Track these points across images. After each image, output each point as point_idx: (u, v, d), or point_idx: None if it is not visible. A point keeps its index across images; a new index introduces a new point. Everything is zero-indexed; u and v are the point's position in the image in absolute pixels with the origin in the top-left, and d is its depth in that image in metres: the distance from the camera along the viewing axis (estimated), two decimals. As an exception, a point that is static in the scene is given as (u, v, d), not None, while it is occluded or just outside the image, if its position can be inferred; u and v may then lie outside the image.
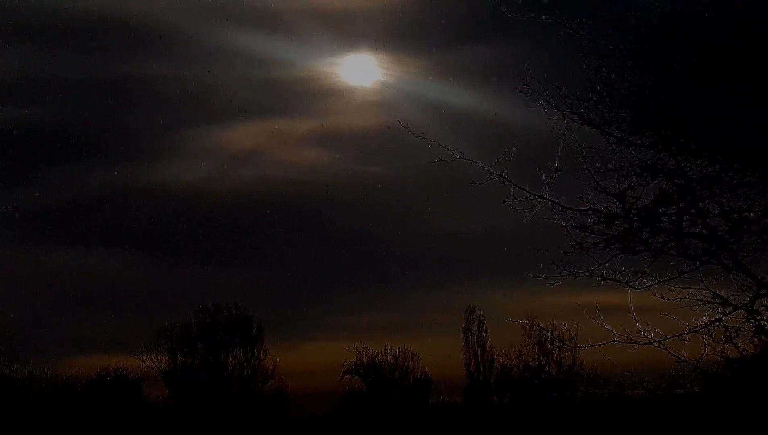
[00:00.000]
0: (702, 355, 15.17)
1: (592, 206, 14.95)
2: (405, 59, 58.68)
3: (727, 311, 14.87)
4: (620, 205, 14.88)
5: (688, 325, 15.04)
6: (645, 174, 14.79)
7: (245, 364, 56.63)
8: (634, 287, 15.11)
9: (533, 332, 55.60)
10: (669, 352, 15.20)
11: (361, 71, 59.64)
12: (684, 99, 14.78)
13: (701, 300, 14.99)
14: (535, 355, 56.64)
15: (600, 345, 15.65)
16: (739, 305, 14.79)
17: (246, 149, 66.45)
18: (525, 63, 15.34)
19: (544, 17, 15.26)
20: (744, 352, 15.13)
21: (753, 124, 14.03)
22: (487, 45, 59.02)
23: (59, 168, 62.85)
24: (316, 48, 58.79)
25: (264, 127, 67.40)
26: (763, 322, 14.75)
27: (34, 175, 59.63)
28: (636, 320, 15.27)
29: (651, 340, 15.17)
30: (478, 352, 58.48)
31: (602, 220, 14.92)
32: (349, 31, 60.95)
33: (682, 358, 15.18)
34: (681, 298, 15.08)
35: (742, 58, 14.24)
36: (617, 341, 15.34)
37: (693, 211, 14.86)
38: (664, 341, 15.14)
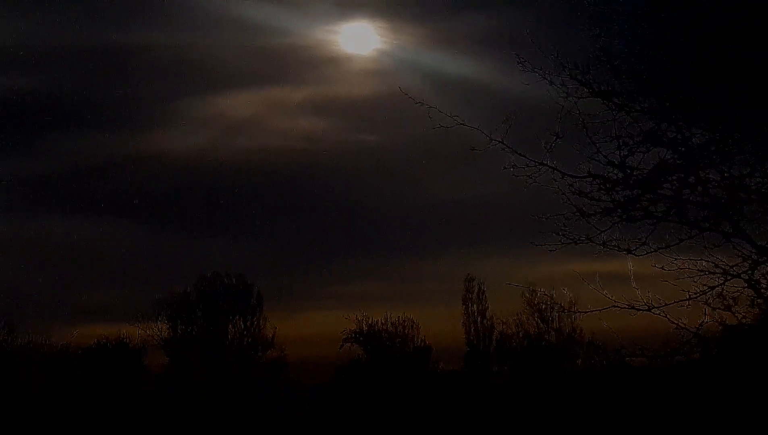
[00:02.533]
0: (702, 322, 15.19)
1: (592, 173, 14.95)
2: (403, 27, 58.55)
3: (727, 279, 14.89)
4: (620, 173, 14.88)
5: (688, 292, 15.07)
6: (645, 142, 14.79)
7: (245, 333, 56.77)
8: (634, 254, 15.13)
9: (533, 300, 55.73)
10: (669, 320, 15.23)
11: (359, 39, 59.41)
12: (683, 68, 14.74)
13: (701, 270, 15.01)
14: (535, 323, 56.79)
15: (600, 310, 15.69)
16: (738, 273, 14.80)
17: (243, 118, 66.33)
18: (525, 30, 15.33)
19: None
20: (743, 320, 15.16)
21: (752, 95, 14.00)
22: (486, 12, 58.73)
23: (56, 137, 62.83)
24: (314, 16, 58.67)
25: (261, 96, 67.22)
26: (762, 290, 14.76)
27: (31, 144, 59.66)
28: (635, 288, 15.31)
29: (651, 307, 15.19)
30: (478, 321, 58.67)
31: (602, 186, 14.92)
32: (347, -1, 60.65)
33: (682, 326, 15.21)
34: (681, 269, 15.11)
35: (738, 29, 14.21)
36: (617, 307, 15.38)
37: (693, 178, 14.84)
38: (663, 308, 15.18)
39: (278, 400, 47.98)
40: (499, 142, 15.11)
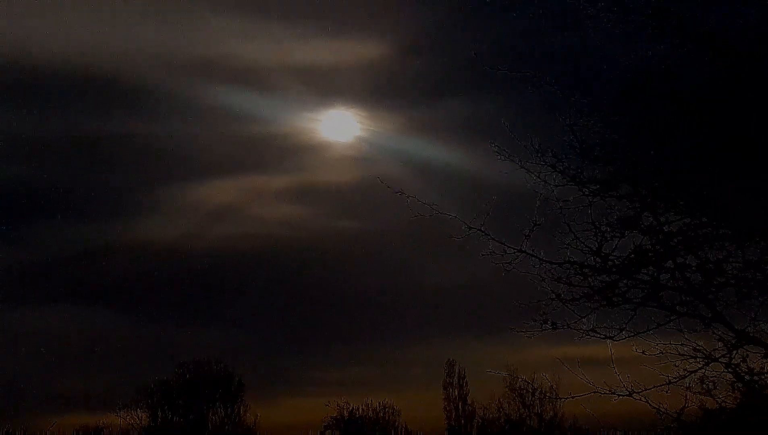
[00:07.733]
0: (683, 406, 15.20)
1: (570, 259, 15.06)
2: (382, 115, 59.24)
3: (707, 363, 14.94)
4: (598, 259, 14.99)
5: (669, 377, 15.09)
6: (621, 228, 14.94)
7: (226, 421, 56.27)
8: (614, 340, 15.19)
9: (514, 385, 55.61)
10: (650, 404, 15.23)
11: (339, 127, 59.94)
12: (656, 155, 14.96)
13: (681, 354, 15.06)
14: (516, 408, 56.55)
15: (581, 396, 15.69)
16: (718, 357, 14.86)
17: (223, 205, 66.48)
18: (501, 118, 15.52)
19: (519, 72, 15.46)
20: (723, 404, 15.18)
21: (723, 179, 14.21)
22: (463, 100, 59.43)
23: (38, 226, 62.79)
24: (294, 104, 59.17)
25: (241, 183, 67.55)
26: (742, 373, 14.81)
27: (12, 233, 59.49)
28: (616, 374, 15.33)
29: (631, 392, 15.21)
30: (459, 406, 58.38)
31: (580, 272, 15.02)
32: (327, 88, 61.46)
33: (663, 410, 15.21)
34: (662, 353, 15.16)
35: (710, 115, 14.47)
36: (598, 392, 15.39)
37: (671, 263, 14.97)
38: (644, 393, 15.19)
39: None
40: (478, 229, 15.26)
